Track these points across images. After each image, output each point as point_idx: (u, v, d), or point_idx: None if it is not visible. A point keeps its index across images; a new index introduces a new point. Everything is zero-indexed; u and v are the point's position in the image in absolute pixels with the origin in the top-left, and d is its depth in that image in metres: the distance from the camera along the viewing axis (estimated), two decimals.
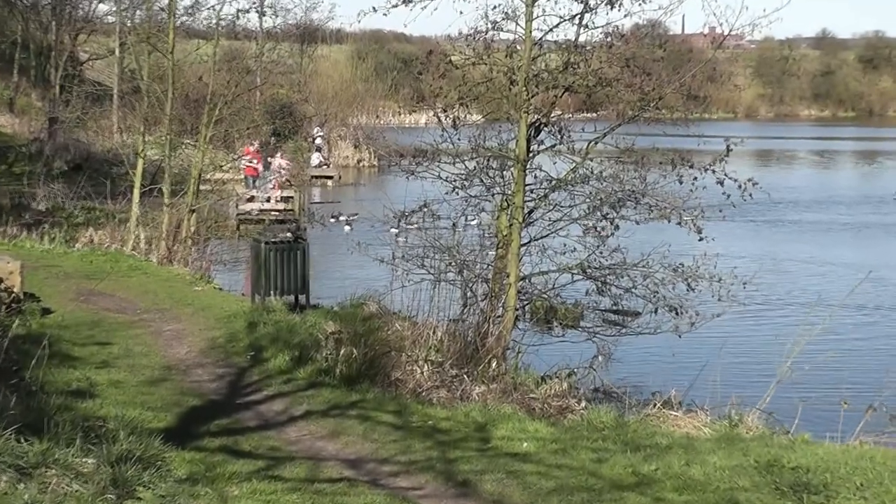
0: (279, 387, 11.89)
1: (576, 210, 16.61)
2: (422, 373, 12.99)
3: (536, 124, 16.04)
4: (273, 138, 45.32)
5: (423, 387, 12.68)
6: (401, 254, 17.42)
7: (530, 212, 16.37)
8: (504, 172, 16.60)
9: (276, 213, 33.31)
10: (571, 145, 16.29)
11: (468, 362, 13.71)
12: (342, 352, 12.72)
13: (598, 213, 16.26)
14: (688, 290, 15.85)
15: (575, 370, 14.95)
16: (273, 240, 16.98)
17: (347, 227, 32.17)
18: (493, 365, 13.86)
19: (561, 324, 17.66)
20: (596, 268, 16.38)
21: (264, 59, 29.14)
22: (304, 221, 31.00)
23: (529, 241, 16.51)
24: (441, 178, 16.70)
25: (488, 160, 16.62)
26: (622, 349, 16.62)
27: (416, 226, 18.22)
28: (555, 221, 16.62)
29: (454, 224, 17.45)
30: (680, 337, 15.91)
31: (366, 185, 49.72)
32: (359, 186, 49.43)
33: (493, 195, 16.70)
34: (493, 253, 16.48)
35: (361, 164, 57.00)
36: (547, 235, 16.73)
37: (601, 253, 16.29)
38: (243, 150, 36.04)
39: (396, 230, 18.39)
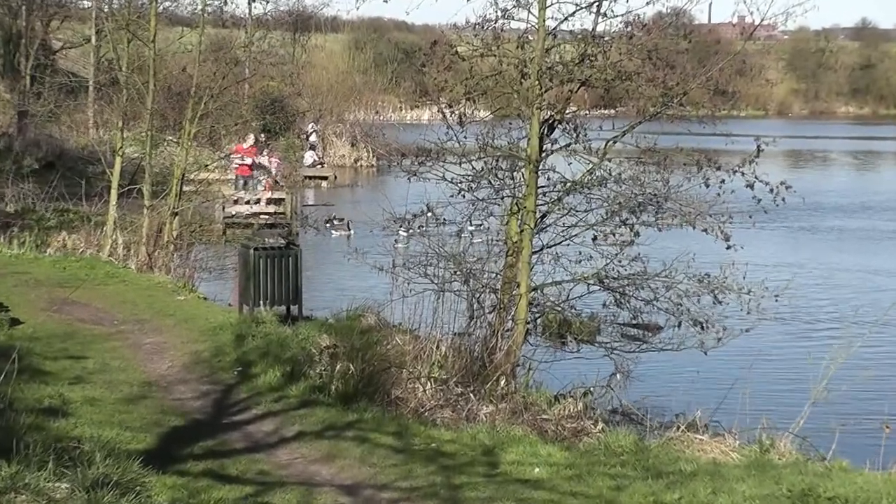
0: (269, 405, 11.89)
1: (592, 215, 16.63)
2: (424, 391, 13.02)
3: (550, 121, 16.08)
4: (263, 135, 45.36)
5: (426, 406, 12.70)
6: (401, 262, 17.44)
7: (543, 216, 16.39)
8: (514, 174, 16.63)
9: (267, 217, 33.32)
10: (588, 144, 16.33)
11: (475, 380, 13.73)
12: (338, 368, 12.74)
13: (617, 219, 16.28)
14: (714, 302, 15.85)
15: (591, 389, 14.94)
16: (263, 245, 17.01)
17: (343, 233, 32.08)
18: (502, 383, 13.88)
19: (576, 338, 17.68)
20: (614, 278, 16.40)
21: (254, 48, 29.05)
22: (296, 226, 31.01)
23: (542, 249, 16.54)
24: (446, 179, 16.74)
25: (497, 160, 16.65)
26: (642, 366, 16.60)
27: (418, 231, 18.24)
28: (569, 227, 16.64)
29: (460, 229, 17.49)
30: (706, 354, 15.92)
31: (363, 186, 49.79)
32: (356, 188, 49.49)
33: (502, 198, 16.73)
34: (502, 261, 16.50)
35: (359, 164, 57.08)
36: (561, 242, 16.75)
37: (620, 262, 16.31)
38: (234, 147, 36.01)
39: (399, 240, 18.34)
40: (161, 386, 12.73)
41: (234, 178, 36.82)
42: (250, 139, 36.70)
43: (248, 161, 36.32)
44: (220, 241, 29.70)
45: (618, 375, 15.73)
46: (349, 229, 32.34)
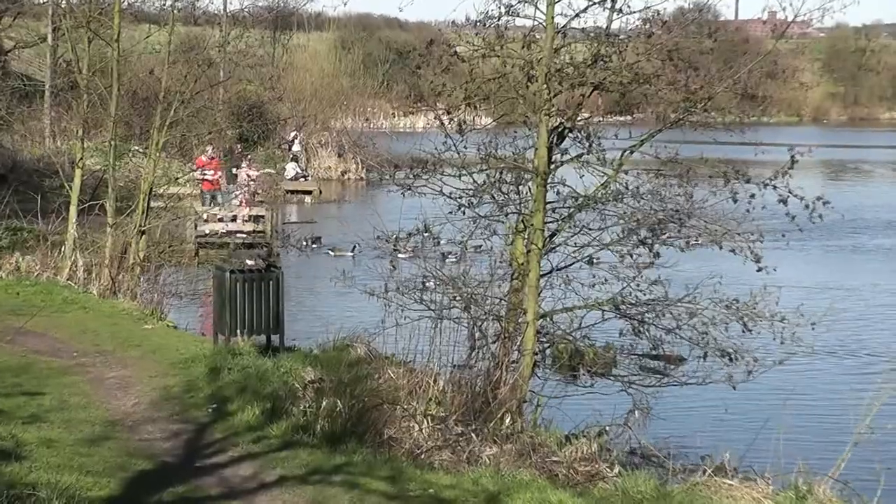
0: (247, 446, 11.88)
1: (607, 234, 16.66)
2: (420, 430, 13.01)
3: (559, 129, 16.13)
4: (239, 145, 45.46)
5: (423, 447, 12.69)
6: (395, 286, 17.43)
7: (552, 235, 16.43)
8: (520, 188, 16.67)
9: (244, 236, 33.37)
10: (602, 155, 16.35)
11: (477, 418, 13.72)
12: (324, 404, 12.74)
13: (635, 238, 16.31)
14: (744, 331, 15.85)
15: (606, 428, 14.94)
16: (240, 268, 17.04)
17: (347, 254, 31.52)
18: (507, 421, 13.87)
19: (589, 371, 17.70)
20: (632, 304, 16.41)
21: (229, 48, 29.09)
22: (277, 245, 31.02)
23: (551, 271, 16.56)
24: (444, 194, 16.77)
25: (501, 173, 16.69)
26: (664, 403, 16.58)
27: (411, 253, 18.26)
28: (581, 247, 16.68)
29: (460, 250, 17.50)
30: (734, 388, 15.89)
31: (352, 202, 49.93)
32: (343, 203, 49.63)
33: (506, 215, 16.76)
34: (507, 285, 16.52)
35: (347, 177, 57.23)
36: (572, 264, 16.78)
37: (638, 286, 16.32)
38: (196, 160, 36.00)
39: (395, 262, 18.29)
40: (126, 425, 12.70)
41: (201, 192, 36.83)
42: (209, 150, 36.59)
43: (210, 175, 36.25)
44: (192, 262, 29.74)
45: (636, 412, 15.67)
46: (353, 251, 31.43)
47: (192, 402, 13.66)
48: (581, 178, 16.68)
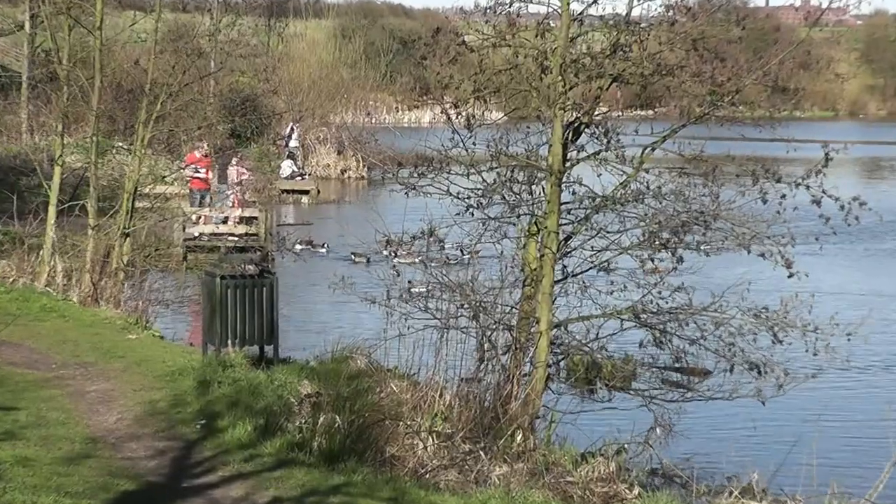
0: (239, 465, 11.90)
1: (627, 237, 16.65)
2: (425, 448, 13.04)
3: (575, 125, 16.15)
4: (231, 140, 45.50)
5: (427, 466, 12.72)
6: (398, 293, 17.44)
7: (567, 239, 16.45)
8: (533, 187, 16.69)
9: (236, 239, 33.37)
10: (621, 152, 16.33)
11: (485, 435, 13.75)
12: (321, 420, 12.76)
13: (656, 241, 16.30)
14: (773, 342, 15.84)
15: (625, 446, 14.93)
16: (231, 273, 17.03)
17: (358, 260, 31.07)
18: (519, 438, 13.90)
19: (607, 385, 17.68)
20: (653, 312, 16.41)
21: (220, 37, 29.08)
22: (271, 249, 31.04)
23: (566, 277, 16.58)
24: (451, 194, 16.79)
25: (512, 171, 16.71)
26: (687, 419, 16.57)
27: (417, 257, 18.27)
28: (599, 251, 16.67)
29: (468, 254, 17.50)
30: (763, 404, 15.88)
31: (352, 202, 49.94)
32: (343, 204, 49.64)
33: (518, 217, 16.77)
34: (519, 292, 16.53)
35: (347, 176, 57.30)
36: (589, 269, 16.79)
37: (660, 293, 16.33)
38: (187, 156, 35.95)
39: (397, 266, 18.26)
40: (108, 443, 12.72)
41: (189, 192, 36.74)
42: (203, 147, 36.54)
43: (202, 173, 36.18)
44: (179, 267, 29.72)
45: (658, 429, 15.67)
46: (366, 257, 30.36)
47: (179, 417, 13.68)
48: (598, 177, 16.69)
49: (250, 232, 34.09)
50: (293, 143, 54.21)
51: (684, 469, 14.44)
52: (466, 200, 16.65)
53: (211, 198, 36.57)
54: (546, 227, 15.63)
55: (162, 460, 12.10)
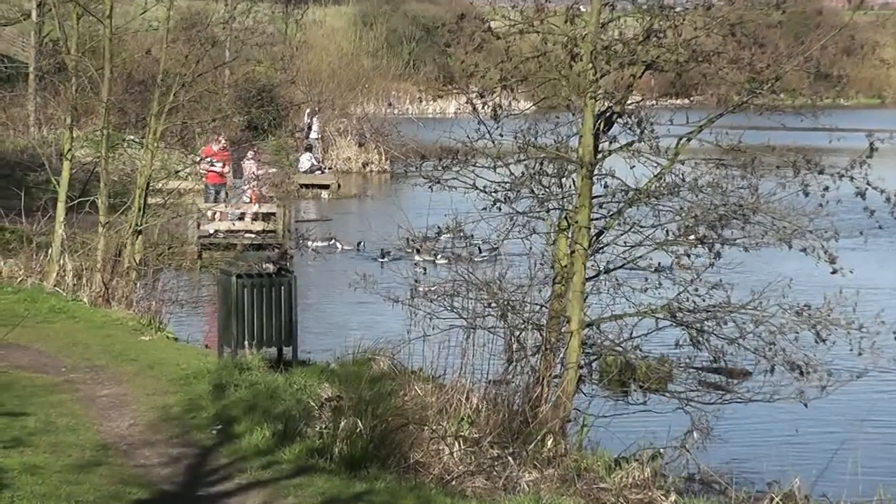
0: (256, 473, 11.92)
1: (661, 231, 16.60)
2: (451, 454, 13.05)
3: (607, 114, 16.12)
4: (247, 133, 45.50)
5: (453, 472, 12.73)
6: (422, 291, 17.44)
7: (599, 234, 16.42)
8: (563, 180, 16.66)
9: (252, 236, 33.41)
10: (655, 143, 16.28)
11: (514, 439, 13.74)
12: (342, 425, 12.77)
13: (693, 236, 16.24)
14: (816, 341, 15.77)
15: (661, 451, 14.89)
16: (248, 272, 17.07)
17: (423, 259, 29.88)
18: (549, 443, 13.89)
19: (641, 387, 17.62)
20: (689, 310, 16.36)
21: (235, 25, 29.10)
22: (289, 247, 31.07)
23: (598, 274, 16.54)
24: (477, 188, 16.77)
25: (541, 164, 16.68)
26: (726, 422, 16.51)
27: (440, 258, 18.26)
28: (632, 247, 16.64)
29: (494, 250, 17.48)
30: (806, 406, 15.80)
31: (374, 197, 49.94)
32: (364, 199, 49.64)
33: (547, 211, 16.75)
34: (549, 290, 16.51)
35: (368, 169, 57.17)
36: (622, 266, 16.75)
37: (696, 290, 16.27)
38: (203, 149, 35.94)
39: (419, 264, 18.24)
40: (120, 449, 12.77)
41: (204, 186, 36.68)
42: (221, 140, 36.44)
43: (218, 167, 36.08)
44: (194, 266, 29.78)
45: (695, 433, 15.61)
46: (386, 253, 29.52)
47: (194, 423, 13.72)
48: (631, 169, 16.64)
49: (268, 229, 34.11)
50: (312, 136, 54.21)
51: (723, 474, 14.40)
52: (493, 194, 16.62)
53: (227, 193, 36.56)
54: (577, 222, 15.59)
55: (176, 468, 12.13)
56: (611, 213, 16.56)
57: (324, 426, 13.00)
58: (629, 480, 13.35)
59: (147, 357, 17.28)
